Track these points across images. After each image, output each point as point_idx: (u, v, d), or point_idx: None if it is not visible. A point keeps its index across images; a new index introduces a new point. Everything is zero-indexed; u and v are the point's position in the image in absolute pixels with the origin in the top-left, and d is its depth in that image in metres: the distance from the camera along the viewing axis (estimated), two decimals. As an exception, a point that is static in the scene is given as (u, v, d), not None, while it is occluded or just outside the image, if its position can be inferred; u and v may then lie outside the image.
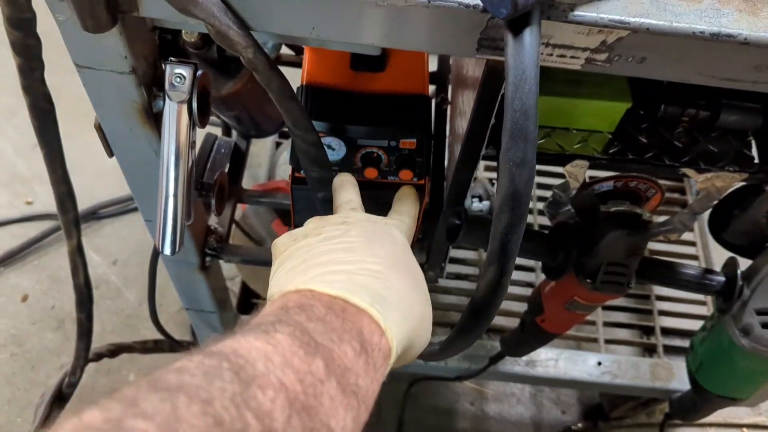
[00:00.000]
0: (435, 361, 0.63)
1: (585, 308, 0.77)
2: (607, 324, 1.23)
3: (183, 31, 0.68)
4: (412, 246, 0.57)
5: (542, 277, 0.82)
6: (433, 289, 1.21)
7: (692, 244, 1.34)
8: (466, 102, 0.67)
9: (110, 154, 0.63)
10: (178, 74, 0.55)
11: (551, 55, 0.47)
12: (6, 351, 1.31)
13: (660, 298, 1.27)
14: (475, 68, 0.60)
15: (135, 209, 1.53)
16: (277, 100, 0.52)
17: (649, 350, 1.23)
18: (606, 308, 1.25)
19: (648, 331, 1.26)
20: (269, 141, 1.42)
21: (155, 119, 0.59)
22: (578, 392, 1.34)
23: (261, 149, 1.49)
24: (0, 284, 1.40)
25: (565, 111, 0.63)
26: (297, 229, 0.54)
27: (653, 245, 1.31)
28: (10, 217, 1.49)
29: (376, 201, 0.77)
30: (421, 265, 0.85)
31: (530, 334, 0.86)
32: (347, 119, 0.69)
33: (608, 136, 0.65)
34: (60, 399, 0.98)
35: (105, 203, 1.51)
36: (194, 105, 0.56)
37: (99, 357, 1.09)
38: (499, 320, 1.19)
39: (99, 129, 0.60)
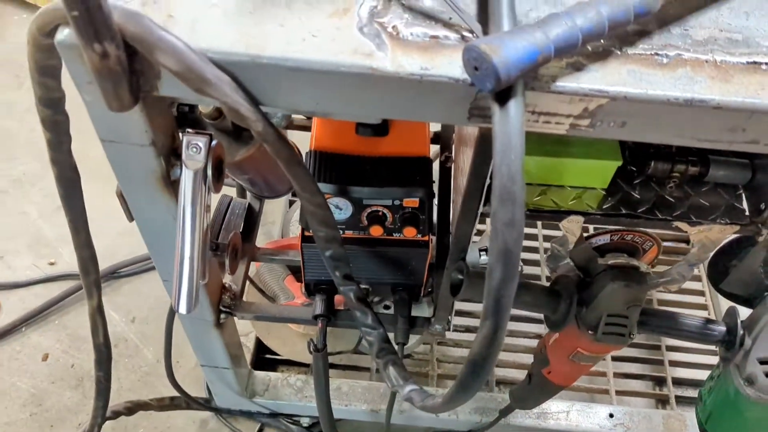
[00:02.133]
0: (437, 413, 0.64)
1: (589, 359, 0.78)
2: (618, 375, 1.23)
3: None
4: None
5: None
6: (443, 342, 1.23)
7: (701, 293, 1.34)
8: (466, 161, 0.71)
9: (130, 219, 0.67)
10: (194, 144, 0.60)
11: (537, 121, 0.51)
12: (26, 410, 1.33)
13: (671, 348, 1.27)
14: (474, 128, 0.63)
15: (153, 268, 1.57)
16: (286, 167, 0.56)
17: (662, 401, 1.22)
18: (616, 359, 1.26)
19: (660, 381, 1.26)
20: (283, 200, 1.47)
21: (173, 186, 0.63)
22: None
23: (275, 207, 1.54)
24: (22, 344, 1.43)
25: (558, 170, 0.66)
26: None
27: (661, 295, 1.32)
28: (33, 278, 1.53)
29: (382, 258, 0.81)
30: (428, 320, 0.88)
31: (537, 387, 0.87)
32: (353, 181, 0.73)
33: (602, 193, 0.68)
34: None
35: (125, 263, 1.55)
36: (209, 172, 0.60)
37: (116, 415, 1.11)
38: (510, 372, 1.20)
39: (120, 196, 0.64)
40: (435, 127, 1.06)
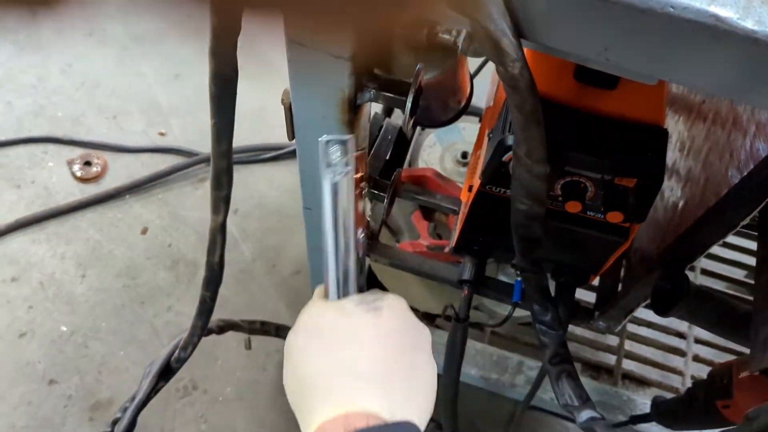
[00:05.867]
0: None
1: (791, 412, 0.63)
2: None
3: (395, 7, 0.58)
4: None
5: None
6: (633, 337, 1.06)
7: None
8: (734, 143, 0.54)
9: (291, 137, 0.55)
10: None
11: None
12: (119, 281, 1.30)
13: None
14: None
15: (263, 160, 1.48)
16: (522, 124, 0.42)
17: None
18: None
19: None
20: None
21: (354, 111, 0.50)
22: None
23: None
24: (123, 212, 1.39)
25: None
26: None
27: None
28: (142, 145, 1.48)
29: (562, 235, 0.66)
30: (591, 312, 0.74)
31: (702, 415, 0.73)
32: (560, 138, 0.58)
33: None
34: (167, 372, 0.94)
35: (236, 149, 1.46)
36: (409, 102, 0.47)
37: (208, 332, 1.04)
38: (641, 368, 1.06)
39: (288, 110, 0.52)
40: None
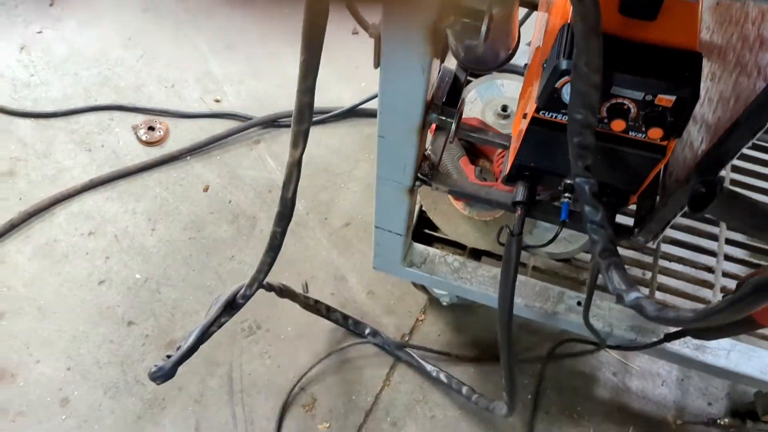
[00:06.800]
0: (682, 327, 0.61)
1: (812, 306, 0.72)
2: (792, 326, 1.15)
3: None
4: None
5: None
6: (666, 271, 1.15)
7: None
8: (762, 62, 0.63)
9: (377, 65, 0.65)
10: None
11: None
12: (186, 233, 1.42)
13: None
14: None
15: (314, 123, 1.58)
16: (584, 34, 0.51)
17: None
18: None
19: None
20: (455, 76, 1.41)
21: (435, 36, 0.59)
22: (730, 387, 1.29)
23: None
24: (186, 172, 1.51)
25: None
26: None
27: None
28: (200, 111, 1.59)
29: (605, 155, 0.75)
30: (631, 229, 0.83)
31: (732, 322, 0.82)
32: (607, 64, 0.67)
33: None
34: (232, 306, 1.01)
35: (286, 113, 1.57)
36: (483, 29, 0.56)
37: (270, 289, 1.10)
38: (672, 299, 1.15)
39: (378, 38, 0.61)
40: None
